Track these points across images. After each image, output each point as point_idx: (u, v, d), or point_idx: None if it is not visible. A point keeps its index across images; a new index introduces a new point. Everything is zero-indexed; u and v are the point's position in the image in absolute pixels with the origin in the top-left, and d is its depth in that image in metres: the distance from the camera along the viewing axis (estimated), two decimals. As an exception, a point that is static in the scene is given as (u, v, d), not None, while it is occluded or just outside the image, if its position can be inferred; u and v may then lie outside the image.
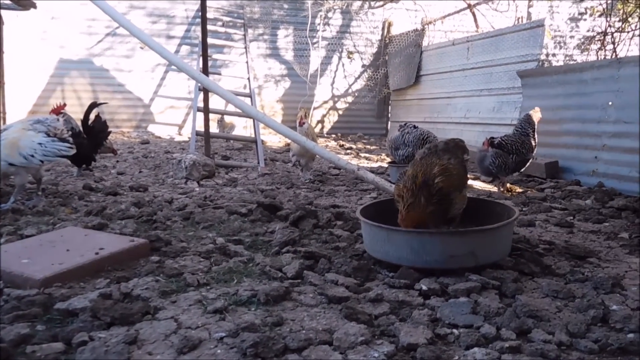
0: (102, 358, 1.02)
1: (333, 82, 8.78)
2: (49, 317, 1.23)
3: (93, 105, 3.70)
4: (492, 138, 3.34)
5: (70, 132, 2.61)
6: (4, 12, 6.82)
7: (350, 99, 8.84)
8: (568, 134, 3.91)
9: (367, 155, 5.87)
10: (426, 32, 7.54)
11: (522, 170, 3.45)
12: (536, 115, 3.40)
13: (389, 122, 8.70)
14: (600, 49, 6.66)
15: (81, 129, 3.58)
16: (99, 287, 1.42)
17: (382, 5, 8.47)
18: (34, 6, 6.06)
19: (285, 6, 8.37)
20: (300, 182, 3.60)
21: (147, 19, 7.82)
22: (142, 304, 1.28)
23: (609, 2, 6.44)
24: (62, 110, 3.48)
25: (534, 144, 3.33)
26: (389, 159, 4.78)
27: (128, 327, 1.18)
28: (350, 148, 6.59)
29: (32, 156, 2.36)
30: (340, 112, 8.87)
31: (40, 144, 2.38)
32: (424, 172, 1.61)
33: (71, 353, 1.07)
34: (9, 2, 5.95)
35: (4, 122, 6.56)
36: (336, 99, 8.82)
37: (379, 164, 5.02)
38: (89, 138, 3.57)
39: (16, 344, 1.08)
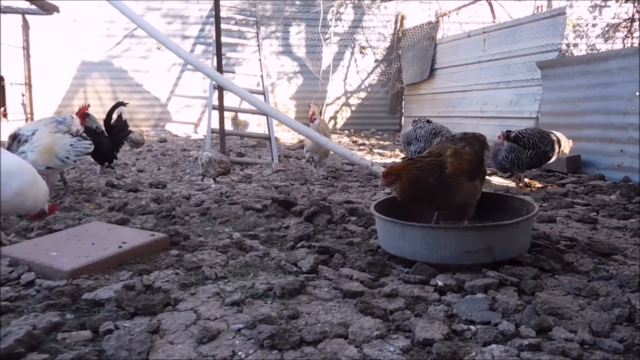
0: (127, 346, 1.07)
1: (345, 78, 8.73)
2: (77, 306, 1.30)
3: (117, 105, 3.82)
4: (509, 131, 3.24)
5: (82, 129, 2.77)
6: (29, 17, 7.09)
7: (363, 94, 8.78)
8: (591, 126, 3.78)
9: (380, 151, 5.83)
10: (440, 25, 7.39)
11: (541, 166, 3.35)
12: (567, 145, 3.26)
13: (403, 117, 8.60)
14: (626, 36, 6.36)
15: (103, 128, 3.70)
16: (122, 279, 1.48)
17: (395, -2, 8.35)
18: (57, 10, 6.28)
19: (297, 2, 8.36)
20: (313, 178, 3.62)
21: (162, 20, 7.97)
22: (163, 296, 1.33)
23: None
24: (86, 111, 3.61)
25: (556, 143, 3.21)
26: (402, 155, 4.73)
27: (150, 317, 1.23)
28: (364, 144, 6.56)
29: (68, 158, 2.53)
30: (353, 108, 8.82)
31: (71, 145, 2.54)
32: (437, 153, 1.66)
33: (98, 340, 1.12)
34: (34, 7, 6.18)
35: (31, 123, 6.82)
36: (349, 94, 8.78)
37: (392, 159, 4.98)
38: (110, 137, 3.69)
39: (48, 331, 1.14)
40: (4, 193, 1.70)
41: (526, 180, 3.34)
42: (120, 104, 3.84)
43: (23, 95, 7.22)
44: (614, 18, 7.63)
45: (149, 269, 1.58)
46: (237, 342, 1.12)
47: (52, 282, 1.43)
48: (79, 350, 1.07)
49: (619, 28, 6.76)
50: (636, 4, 6.19)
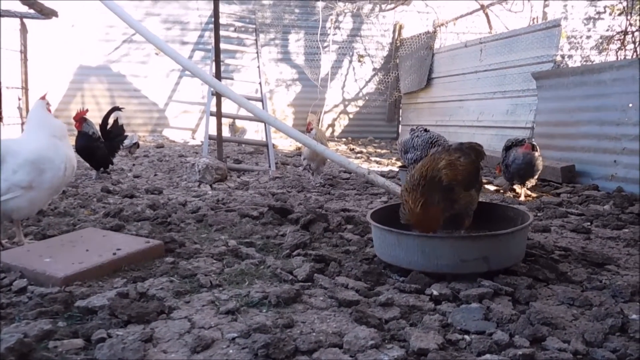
0: (120, 355, 1.06)
1: (344, 86, 8.80)
2: (70, 314, 1.28)
3: (112, 110, 3.82)
4: (531, 140, 3.35)
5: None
6: (27, 21, 7.11)
7: (361, 102, 8.84)
8: (585, 136, 3.82)
9: (377, 159, 5.85)
10: (438, 34, 7.49)
11: None
12: None
13: (400, 126, 8.66)
14: (620, 48, 6.49)
15: (99, 133, 3.69)
16: (116, 286, 1.47)
17: (393, 8, 8.47)
18: (56, 14, 6.30)
19: (297, 11, 8.46)
20: (310, 185, 3.63)
21: (162, 26, 8.02)
22: (157, 304, 1.31)
23: (629, -1, 6.28)
24: (84, 116, 3.61)
25: None
26: (399, 163, 4.76)
27: (144, 326, 1.22)
28: (361, 152, 6.58)
29: None
30: (351, 116, 8.88)
31: None
32: (430, 166, 1.64)
33: (90, 349, 1.11)
34: (33, 11, 6.20)
35: (27, 127, 6.82)
36: (347, 102, 8.84)
37: (389, 167, 5.01)
38: (107, 142, 3.69)
39: (39, 339, 1.13)
40: (58, 178, 1.74)
41: (524, 189, 3.38)
42: (116, 108, 3.85)
43: (19, 99, 7.20)
44: (607, 30, 7.78)
45: (144, 276, 1.57)
46: (231, 351, 1.11)
47: (45, 289, 1.41)
48: (70, 358, 1.06)
49: (613, 40, 6.89)
50: (629, 17, 6.33)
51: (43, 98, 1.96)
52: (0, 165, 1.66)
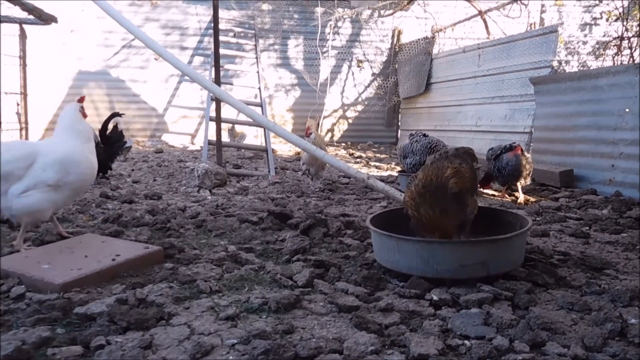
0: (119, 362, 1.05)
1: (343, 91, 8.84)
2: (68, 320, 1.28)
3: (112, 115, 3.83)
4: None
5: None
6: (26, 27, 7.14)
7: (360, 107, 8.88)
8: (583, 141, 3.84)
9: (377, 163, 5.86)
10: (436, 40, 7.55)
11: None
12: None
13: (399, 131, 8.68)
14: (616, 54, 6.54)
15: (99, 138, 3.70)
16: (115, 293, 1.46)
17: (391, 14, 8.54)
18: (55, 20, 6.33)
19: (296, 16, 8.52)
20: (310, 190, 3.63)
21: (161, 31, 8.07)
22: (157, 310, 1.31)
23: (624, 5, 6.35)
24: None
25: None
26: (399, 168, 4.77)
27: (143, 332, 1.21)
28: (360, 157, 6.60)
29: None
30: (350, 121, 8.91)
31: None
32: (436, 175, 1.61)
33: (89, 356, 1.10)
34: (32, 17, 6.23)
35: (27, 132, 6.83)
36: (346, 107, 8.88)
37: (388, 172, 5.02)
38: (106, 147, 3.69)
39: (37, 346, 1.12)
40: (80, 182, 1.77)
41: (522, 194, 3.39)
42: (116, 114, 3.85)
43: (18, 104, 7.20)
44: (604, 36, 7.86)
45: (143, 282, 1.56)
46: (231, 357, 1.10)
47: (43, 296, 1.40)
48: (69, 366, 1.05)
49: (609, 46, 6.95)
50: (625, 23, 6.39)
51: (80, 101, 2.00)
52: (31, 165, 1.71)
